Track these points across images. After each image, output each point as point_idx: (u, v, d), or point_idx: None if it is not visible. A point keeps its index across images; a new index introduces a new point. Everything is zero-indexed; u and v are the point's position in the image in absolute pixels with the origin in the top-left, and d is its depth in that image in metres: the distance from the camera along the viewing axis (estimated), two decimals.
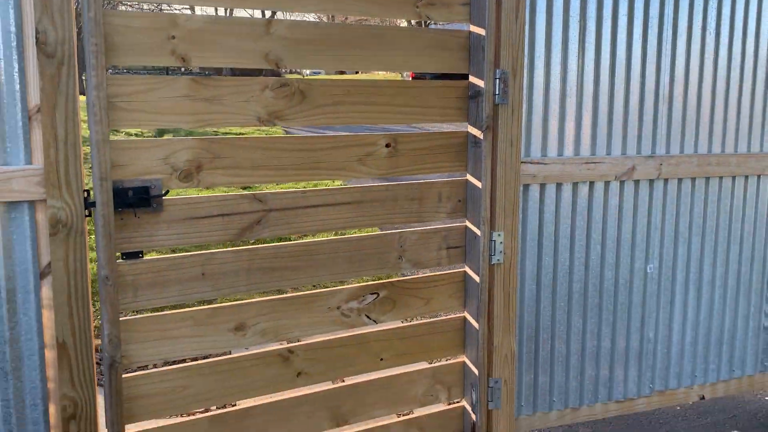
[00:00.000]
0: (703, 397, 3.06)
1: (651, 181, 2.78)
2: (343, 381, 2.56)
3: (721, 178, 2.92)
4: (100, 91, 1.85)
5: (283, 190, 2.23)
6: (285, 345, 2.30)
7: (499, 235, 2.49)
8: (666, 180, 2.81)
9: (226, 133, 13.53)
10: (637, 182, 2.76)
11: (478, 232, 2.50)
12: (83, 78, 2.19)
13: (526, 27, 2.50)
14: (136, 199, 1.96)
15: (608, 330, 2.82)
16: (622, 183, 2.74)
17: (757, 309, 3.10)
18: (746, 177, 2.97)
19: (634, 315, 2.86)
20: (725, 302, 3.03)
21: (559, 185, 2.64)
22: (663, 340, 2.93)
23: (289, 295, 2.28)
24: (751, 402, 3.33)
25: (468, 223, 2.56)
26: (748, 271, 3.05)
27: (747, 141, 2.95)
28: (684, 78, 2.79)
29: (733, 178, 2.95)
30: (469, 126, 2.51)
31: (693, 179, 2.86)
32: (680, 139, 2.82)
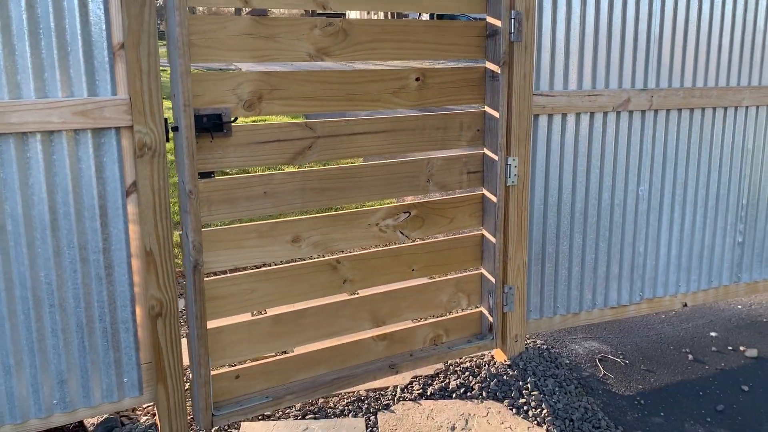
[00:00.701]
0: (685, 305, 3.49)
1: (643, 112, 3.14)
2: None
3: (703, 109, 3.28)
4: (182, 29, 2.12)
5: (330, 119, 2.53)
6: (333, 256, 2.64)
7: (513, 159, 2.84)
8: (656, 111, 3.17)
9: None
10: (631, 113, 3.11)
11: (496, 158, 2.83)
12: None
13: None
14: (210, 125, 2.24)
15: (605, 245, 3.21)
16: (618, 114, 3.09)
17: (732, 227, 3.52)
18: (725, 108, 3.34)
19: (627, 231, 3.25)
20: (705, 221, 3.44)
21: (564, 116, 2.98)
22: (652, 253, 3.34)
23: (336, 212, 2.60)
24: (726, 309, 3.78)
25: (486, 150, 2.90)
26: (725, 193, 3.45)
27: (726, 76, 3.31)
28: (672, 20, 3.12)
29: (714, 109, 3.32)
30: (487, 62, 2.82)
31: (679, 110, 3.23)
32: (669, 74, 3.17)
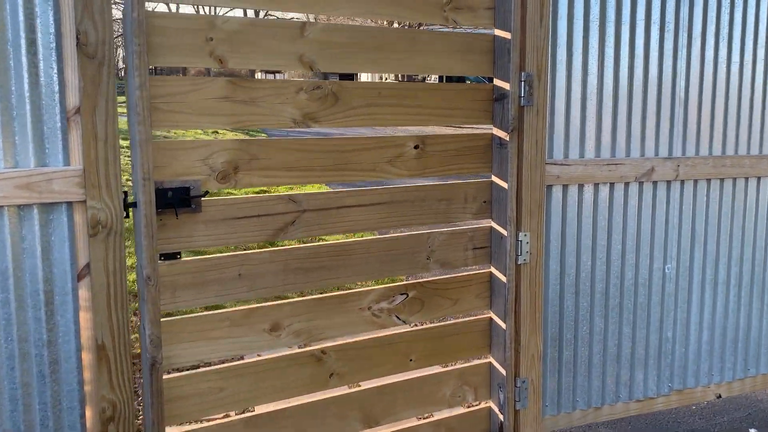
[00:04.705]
0: (719, 396, 3.10)
1: (669, 183, 2.83)
2: (359, 385, 2.56)
3: (735, 179, 2.97)
4: (143, 92, 1.85)
5: (316, 191, 2.25)
6: (318, 346, 2.30)
7: (525, 235, 2.52)
8: (683, 181, 2.86)
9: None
10: (655, 183, 2.81)
11: (505, 233, 2.52)
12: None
13: (549, 32, 2.54)
14: (176, 200, 1.96)
15: (629, 329, 2.86)
16: (641, 184, 2.78)
17: None
18: (759, 178, 3.03)
19: (653, 314, 2.90)
20: (740, 301, 3.08)
21: (581, 186, 2.68)
22: (681, 339, 2.97)
23: (322, 295, 2.29)
24: (765, 400, 3.38)
25: (493, 224, 2.59)
26: (761, 270, 3.11)
27: (759, 143, 3.01)
28: (699, 81, 2.85)
29: (746, 179, 3.01)
30: (494, 128, 2.54)
31: (708, 180, 2.92)
32: (696, 140, 2.87)
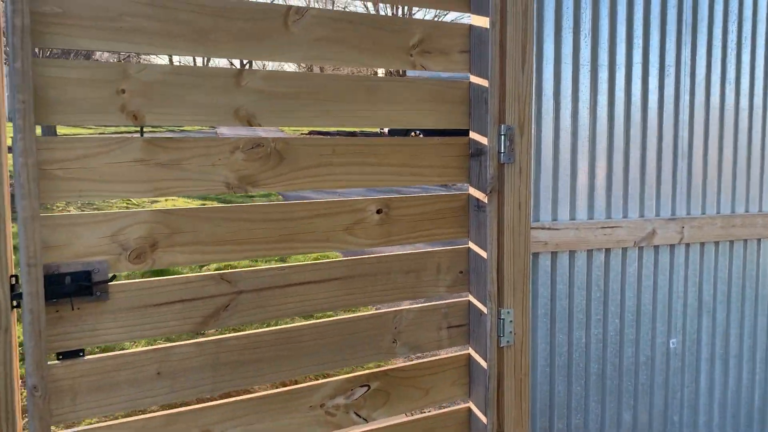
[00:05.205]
0: None
1: (672, 246, 2.49)
2: None
3: (746, 240, 2.64)
4: (28, 158, 1.50)
5: (256, 267, 1.89)
6: None
7: (508, 312, 2.16)
8: (688, 244, 2.52)
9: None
10: (657, 248, 2.47)
11: (484, 310, 2.16)
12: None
13: (533, 77, 2.22)
14: (74, 287, 1.59)
15: (629, 416, 2.48)
16: (641, 249, 2.44)
17: None
18: None
19: (657, 396, 2.53)
20: (754, 378, 2.72)
21: (572, 253, 2.33)
22: (689, 423, 2.60)
23: (262, 393, 1.91)
24: None
25: (471, 298, 2.23)
26: None
27: None
28: (704, 131, 2.53)
29: (759, 240, 2.67)
30: (470, 188, 2.20)
31: (717, 243, 2.58)
32: (702, 198, 2.54)
